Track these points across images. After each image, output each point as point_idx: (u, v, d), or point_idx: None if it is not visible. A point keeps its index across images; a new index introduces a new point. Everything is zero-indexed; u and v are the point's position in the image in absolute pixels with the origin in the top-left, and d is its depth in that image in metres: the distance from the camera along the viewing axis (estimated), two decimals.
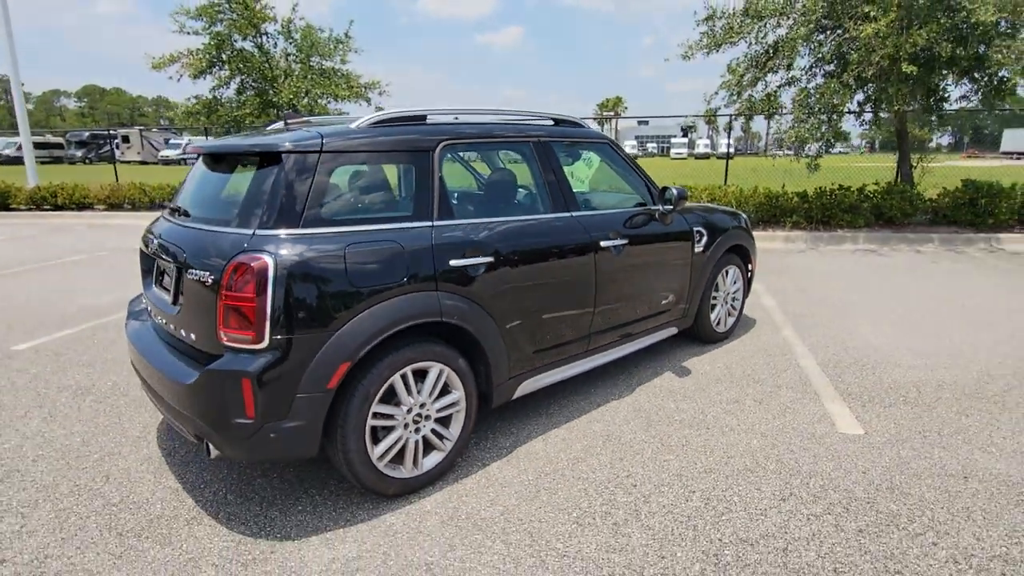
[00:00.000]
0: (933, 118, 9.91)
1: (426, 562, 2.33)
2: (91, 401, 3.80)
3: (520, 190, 3.56)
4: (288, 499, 2.75)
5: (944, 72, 8.15)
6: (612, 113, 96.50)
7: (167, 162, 40.75)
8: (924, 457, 3.04)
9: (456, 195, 3.62)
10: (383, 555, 2.37)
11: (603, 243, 3.46)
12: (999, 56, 7.59)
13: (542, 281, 3.14)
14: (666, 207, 3.94)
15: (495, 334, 2.92)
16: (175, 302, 2.64)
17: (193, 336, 2.51)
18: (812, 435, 3.28)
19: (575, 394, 3.82)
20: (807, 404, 3.66)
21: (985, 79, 8.10)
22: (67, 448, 3.22)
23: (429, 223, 2.75)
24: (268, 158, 2.51)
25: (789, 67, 9.62)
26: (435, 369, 2.73)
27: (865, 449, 3.12)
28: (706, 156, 62.69)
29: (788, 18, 9.31)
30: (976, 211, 8.83)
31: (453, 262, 2.75)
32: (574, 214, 3.40)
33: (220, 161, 2.88)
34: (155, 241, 2.83)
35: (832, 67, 9.13)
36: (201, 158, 3.02)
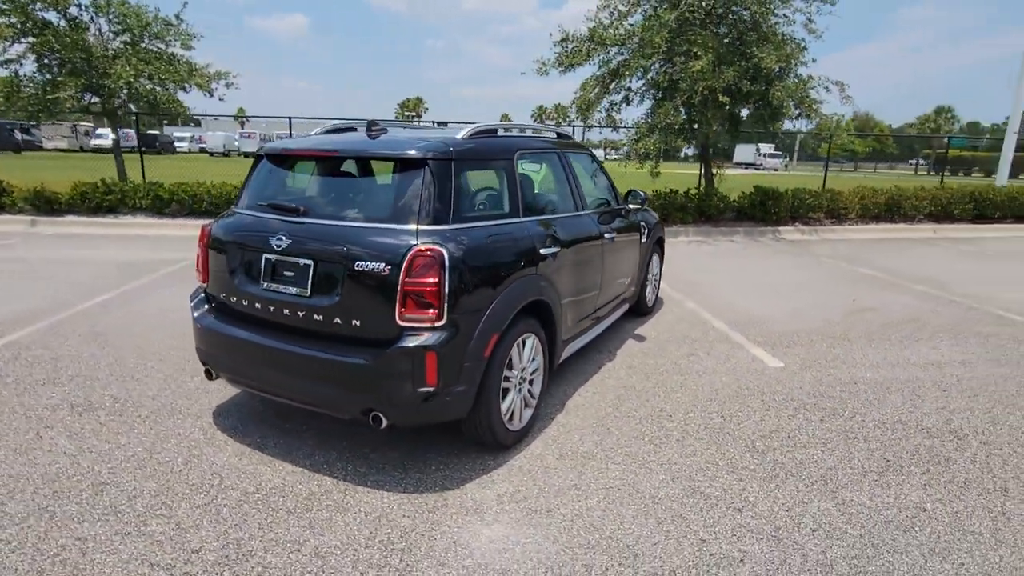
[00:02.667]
0: (727, 136, 12.60)
1: (571, 484, 2.98)
2: (138, 416, 3.59)
3: (556, 191, 4.26)
4: (416, 463, 3.15)
5: (744, 103, 10.61)
6: (414, 114, 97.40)
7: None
8: (827, 374, 4.48)
9: (526, 196, 4.20)
10: (535, 485, 2.96)
11: (606, 234, 4.34)
12: (777, 93, 10.14)
13: (579, 264, 3.92)
14: (633, 206, 4.96)
15: (559, 307, 3.63)
16: (315, 293, 2.88)
17: (357, 322, 2.80)
18: (755, 370, 4.55)
19: (579, 362, 4.64)
20: (738, 351, 4.97)
21: (768, 109, 10.70)
22: (166, 464, 3.14)
23: (519, 219, 3.36)
24: (410, 163, 2.91)
25: (629, 89, 11.48)
26: (531, 339, 3.35)
27: (791, 374, 4.48)
28: None
29: (627, 47, 11.12)
30: (766, 209, 11.55)
31: (542, 250, 3.40)
32: (588, 211, 4.23)
33: (336, 164, 3.15)
34: (273, 238, 2.97)
35: (662, 92, 11.13)
36: (276, 159, 3.25)
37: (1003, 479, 3.10)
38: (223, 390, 3.98)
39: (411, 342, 2.72)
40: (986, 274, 8.36)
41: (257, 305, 3.06)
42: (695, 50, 9.59)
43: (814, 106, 10.71)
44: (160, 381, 4.11)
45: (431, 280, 2.71)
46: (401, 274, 2.70)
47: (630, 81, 11.47)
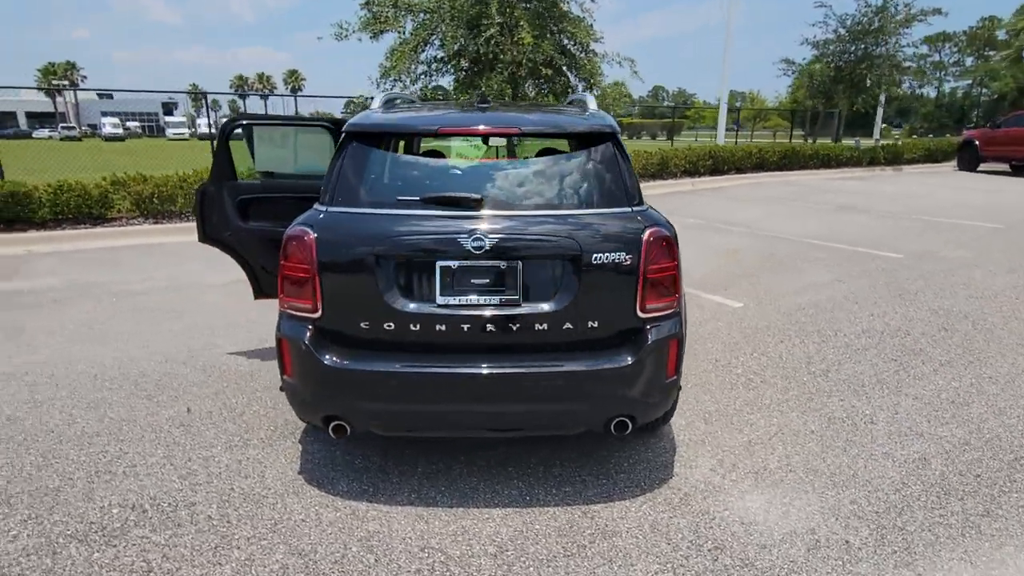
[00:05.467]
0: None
1: (745, 441, 3.16)
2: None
3: None
4: (618, 463, 2.94)
5: (560, 74, 11.40)
6: (67, 83, 78.04)
7: None
8: (771, 308, 5.39)
9: None
10: (750, 455, 3.06)
11: None
12: (586, 65, 11.16)
13: None
14: None
15: None
16: (531, 299, 2.43)
17: (594, 323, 2.46)
18: (729, 311, 5.23)
19: None
20: (697, 297, 5.60)
21: (584, 80, 11.67)
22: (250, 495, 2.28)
23: None
24: (598, 138, 2.61)
25: (441, 60, 11.26)
26: None
27: (749, 310, 5.27)
28: (212, 136, 58.22)
29: (437, 15, 10.84)
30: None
31: None
32: None
33: (476, 145, 2.59)
34: (467, 239, 2.37)
35: (484, 65, 11.18)
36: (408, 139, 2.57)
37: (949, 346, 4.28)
38: (287, 451, 3.03)
39: (659, 333, 2.52)
40: (756, 214, 10.71)
41: (438, 327, 2.43)
42: (522, 23, 9.88)
43: (597, 79, 12.03)
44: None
45: (668, 264, 2.53)
46: (641, 261, 2.46)
47: (440, 51, 11.27)
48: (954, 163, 19.69)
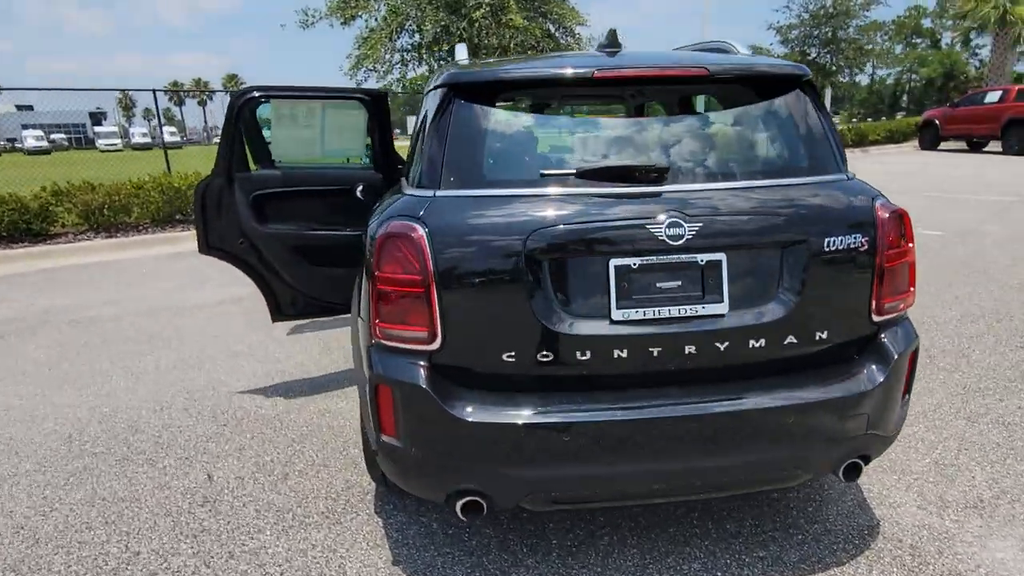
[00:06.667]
0: None
1: (930, 462, 2.55)
2: None
3: None
4: (826, 505, 2.27)
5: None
6: None
7: None
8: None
9: None
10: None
11: None
12: (574, 49, 10.54)
13: None
14: None
15: None
16: (740, 306, 1.74)
17: (822, 332, 1.79)
18: None
19: None
20: None
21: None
22: None
23: None
24: (787, 83, 1.93)
25: (420, 46, 10.42)
26: None
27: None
28: (147, 147, 54.91)
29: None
30: None
31: None
32: None
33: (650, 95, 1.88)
34: (659, 227, 1.65)
35: (472, 51, 10.42)
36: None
37: None
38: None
39: (897, 341, 1.87)
40: None
41: (616, 353, 1.70)
42: (510, 3, 9.17)
43: None
44: None
45: (906, 247, 1.88)
46: (878, 246, 1.80)
47: (416, 37, 10.43)
48: (915, 143, 20.06)
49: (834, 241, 1.75)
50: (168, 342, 4.26)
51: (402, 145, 4.02)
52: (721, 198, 1.74)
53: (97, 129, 66.37)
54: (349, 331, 2.61)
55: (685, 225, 1.67)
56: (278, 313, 3.34)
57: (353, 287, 2.61)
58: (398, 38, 10.32)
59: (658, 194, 1.71)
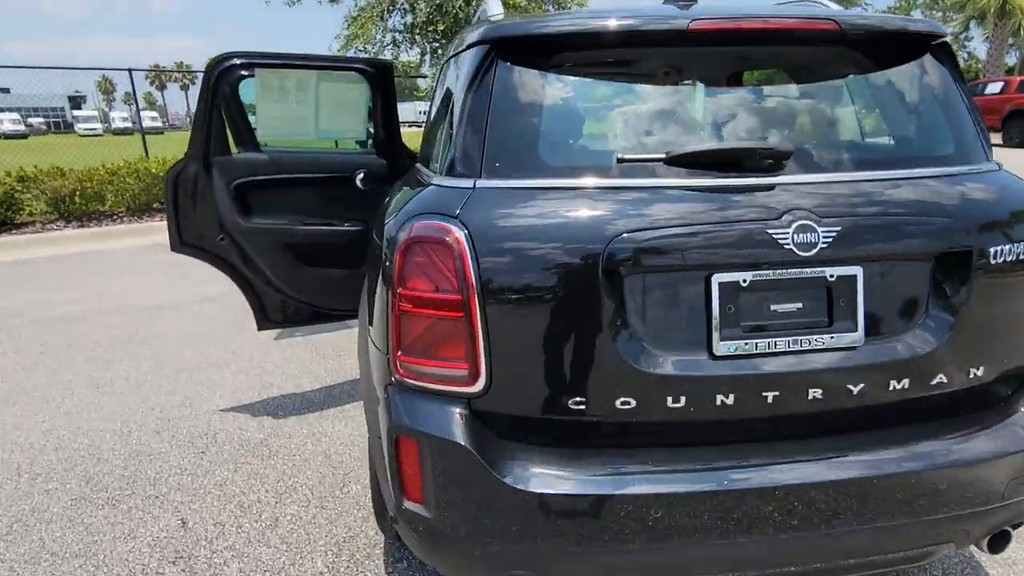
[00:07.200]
0: None
1: None
2: None
3: None
4: None
5: None
6: None
7: None
8: None
9: None
10: None
11: None
12: None
13: None
14: None
15: None
16: (878, 333, 1.33)
17: (978, 368, 1.38)
18: None
19: None
20: None
21: None
22: None
23: None
24: (916, 48, 1.51)
25: (414, 26, 9.88)
26: None
27: None
28: (128, 132, 53.39)
29: None
30: None
31: None
32: None
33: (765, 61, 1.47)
34: (790, 230, 1.23)
35: (450, 32, 9.89)
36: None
37: None
38: None
39: None
40: None
41: (720, 399, 1.28)
42: None
43: None
44: None
45: None
46: None
47: (409, 16, 9.89)
48: None
49: (1002, 251, 1.34)
50: (140, 348, 3.79)
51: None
52: (859, 194, 1.32)
53: (76, 113, 64.52)
54: (346, 333, 2.17)
55: (819, 230, 1.25)
56: (265, 320, 2.90)
57: (353, 290, 2.18)
58: (389, 17, 9.76)
59: (779, 187, 1.29)
